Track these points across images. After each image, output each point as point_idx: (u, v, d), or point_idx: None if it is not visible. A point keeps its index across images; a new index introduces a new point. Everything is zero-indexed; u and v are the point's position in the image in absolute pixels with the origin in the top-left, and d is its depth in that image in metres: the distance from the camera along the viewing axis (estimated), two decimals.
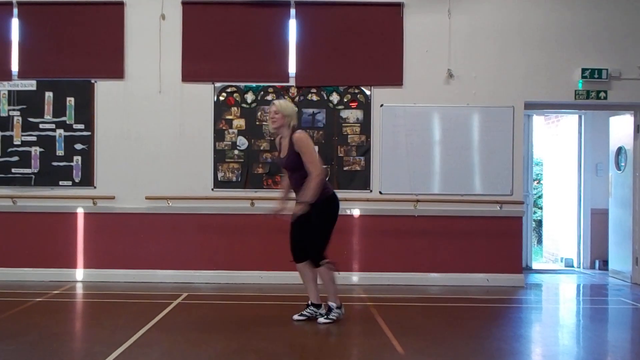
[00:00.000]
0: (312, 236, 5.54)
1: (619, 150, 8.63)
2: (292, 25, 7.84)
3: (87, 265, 7.80)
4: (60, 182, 7.83)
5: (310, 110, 7.84)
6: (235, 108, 7.85)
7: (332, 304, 5.68)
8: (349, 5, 7.85)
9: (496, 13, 7.88)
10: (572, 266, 9.56)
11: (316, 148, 7.72)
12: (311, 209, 5.43)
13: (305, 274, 5.73)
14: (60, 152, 7.83)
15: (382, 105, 7.82)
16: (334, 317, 5.64)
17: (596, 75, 7.80)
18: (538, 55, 7.84)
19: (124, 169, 7.82)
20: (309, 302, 5.77)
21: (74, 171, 7.84)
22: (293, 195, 5.73)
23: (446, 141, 7.80)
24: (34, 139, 7.84)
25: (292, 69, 7.84)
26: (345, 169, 7.79)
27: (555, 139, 10.36)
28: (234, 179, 7.82)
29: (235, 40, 7.82)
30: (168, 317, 5.92)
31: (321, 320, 5.64)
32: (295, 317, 5.73)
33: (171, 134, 7.84)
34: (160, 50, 7.81)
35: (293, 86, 7.85)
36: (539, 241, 11.60)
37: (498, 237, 7.80)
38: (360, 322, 5.88)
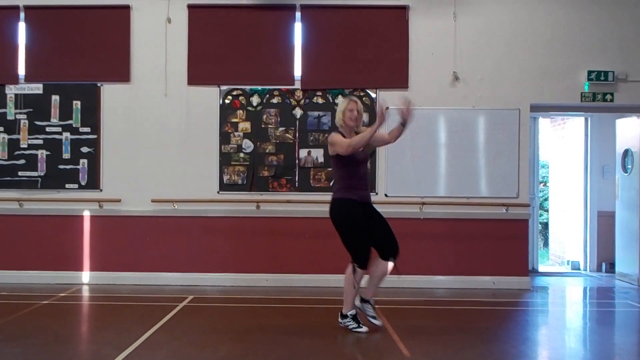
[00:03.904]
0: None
1: (626, 152, 8.60)
2: (298, 29, 7.86)
3: (93, 267, 7.82)
4: (67, 185, 7.85)
5: (316, 113, 7.84)
6: (241, 111, 7.86)
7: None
8: (354, 8, 7.86)
9: (502, 15, 7.87)
10: (579, 269, 9.53)
11: (321, 151, 7.77)
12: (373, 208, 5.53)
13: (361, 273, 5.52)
14: (66, 155, 7.86)
15: (387, 108, 7.78)
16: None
17: (602, 78, 7.78)
18: (544, 58, 7.83)
19: (130, 171, 7.84)
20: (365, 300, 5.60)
21: (80, 174, 7.86)
22: None
23: (452, 144, 7.79)
24: (41, 142, 7.87)
25: (297, 72, 7.85)
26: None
27: (562, 142, 10.33)
28: (240, 181, 7.83)
29: (241, 43, 7.83)
30: (174, 320, 5.93)
31: (378, 322, 5.57)
32: (378, 322, 5.54)
33: (177, 137, 7.86)
34: (166, 54, 7.83)
35: (298, 89, 7.85)
36: (545, 244, 11.56)
37: (504, 240, 7.78)
38: (366, 325, 5.87)
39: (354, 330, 5.44)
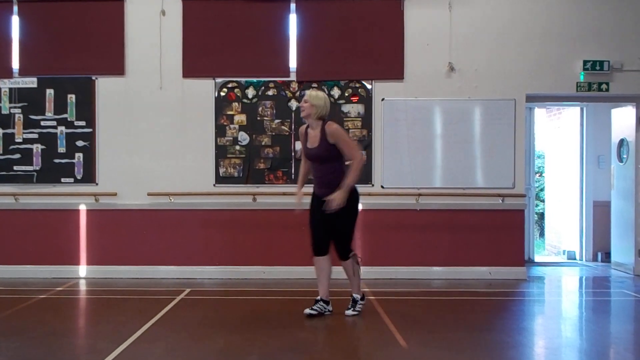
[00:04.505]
0: (345, 228, 5.60)
1: (621, 142, 8.61)
2: (293, 20, 7.83)
3: (90, 261, 7.82)
4: (62, 179, 7.84)
5: None
6: (236, 103, 7.85)
7: (356, 295, 5.77)
8: None
9: (497, 5, 7.85)
10: (575, 259, 9.56)
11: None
12: (344, 206, 5.50)
13: (324, 269, 5.69)
14: (61, 149, 7.84)
15: (383, 99, 7.82)
16: (359, 309, 5.76)
17: (598, 67, 7.78)
18: (539, 48, 7.82)
19: (126, 165, 7.83)
20: (319, 298, 5.71)
21: (76, 168, 7.85)
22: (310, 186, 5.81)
23: (448, 135, 7.79)
24: (36, 136, 7.85)
25: (292, 63, 7.83)
26: (347, 163, 7.75)
27: (557, 132, 10.34)
28: (236, 174, 7.83)
29: (236, 35, 7.81)
30: (171, 313, 5.93)
31: (349, 312, 5.71)
32: (307, 311, 5.65)
33: (172, 130, 7.84)
34: (160, 46, 7.80)
35: (294, 81, 7.84)
36: (541, 234, 11.60)
37: (500, 230, 7.80)
38: (363, 316, 5.88)
39: None
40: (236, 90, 7.85)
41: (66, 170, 7.83)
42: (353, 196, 5.59)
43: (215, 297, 6.88)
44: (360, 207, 7.59)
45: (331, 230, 5.61)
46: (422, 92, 7.80)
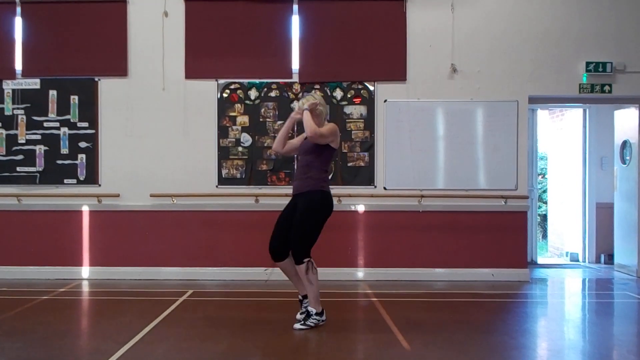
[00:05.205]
0: (302, 229, 5.28)
1: (624, 143, 8.60)
2: (295, 21, 7.84)
3: (93, 263, 7.83)
4: (65, 180, 7.85)
5: None
6: (239, 105, 7.85)
7: (311, 309, 5.33)
8: (352, 0, 7.83)
9: (499, 6, 7.85)
10: (578, 260, 9.55)
11: None
12: (306, 202, 5.31)
13: (290, 271, 5.43)
14: (64, 150, 7.85)
15: (385, 101, 7.82)
16: (311, 324, 5.30)
17: (600, 69, 7.78)
18: (542, 49, 7.82)
19: (129, 166, 7.83)
20: (301, 297, 5.47)
21: (79, 169, 7.86)
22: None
23: (450, 136, 7.79)
24: (39, 137, 7.86)
25: (295, 65, 7.84)
26: (349, 164, 7.79)
27: (560, 133, 10.33)
28: (238, 175, 7.83)
29: (238, 36, 7.82)
30: (174, 314, 5.93)
31: (297, 326, 5.31)
32: (297, 326, 5.32)
33: (175, 131, 7.85)
34: (163, 48, 7.81)
35: (296, 82, 7.84)
36: (544, 236, 11.59)
37: (503, 232, 7.79)
38: (365, 318, 5.90)
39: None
40: (239, 91, 7.86)
41: (69, 172, 7.84)
42: (323, 199, 5.35)
43: (218, 298, 6.89)
44: (363, 210, 7.76)
45: (290, 232, 5.33)
46: (425, 94, 7.80)
